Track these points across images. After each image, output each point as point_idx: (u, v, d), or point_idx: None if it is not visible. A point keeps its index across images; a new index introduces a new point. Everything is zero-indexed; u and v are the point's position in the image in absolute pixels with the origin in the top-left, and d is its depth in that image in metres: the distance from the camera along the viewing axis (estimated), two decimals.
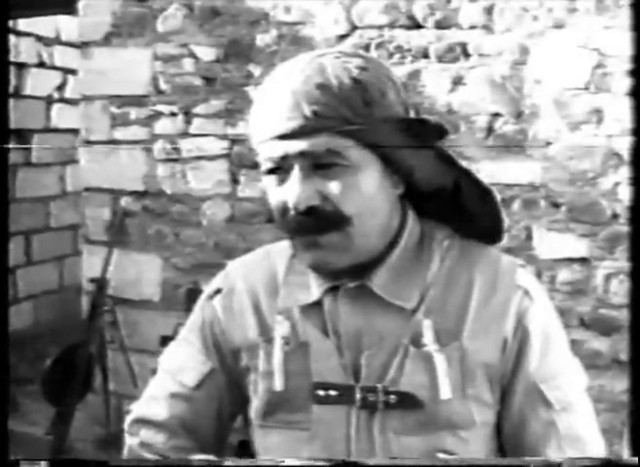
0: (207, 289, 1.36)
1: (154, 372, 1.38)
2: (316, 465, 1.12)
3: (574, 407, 1.21)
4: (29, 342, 4.89)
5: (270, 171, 1.16)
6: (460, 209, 1.27)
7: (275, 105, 1.13)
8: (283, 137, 1.12)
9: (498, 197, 1.27)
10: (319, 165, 1.12)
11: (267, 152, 1.15)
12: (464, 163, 1.25)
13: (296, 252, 1.22)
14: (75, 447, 3.74)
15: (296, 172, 1.13)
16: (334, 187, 1.12)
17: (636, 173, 1.74)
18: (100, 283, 3.71)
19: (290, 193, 1.13)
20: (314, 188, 1.12)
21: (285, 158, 1.13)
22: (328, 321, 1.22)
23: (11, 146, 5.09)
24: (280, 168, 1.15)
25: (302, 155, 1.12)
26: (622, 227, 2.97)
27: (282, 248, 1.32)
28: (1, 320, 1.81)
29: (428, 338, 1.17)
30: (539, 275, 3.05)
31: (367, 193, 1.14)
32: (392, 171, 1.18)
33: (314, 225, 1.13)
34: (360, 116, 1.11)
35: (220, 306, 1.31)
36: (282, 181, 1.15)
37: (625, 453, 2.02)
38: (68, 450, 3.69)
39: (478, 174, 1.25)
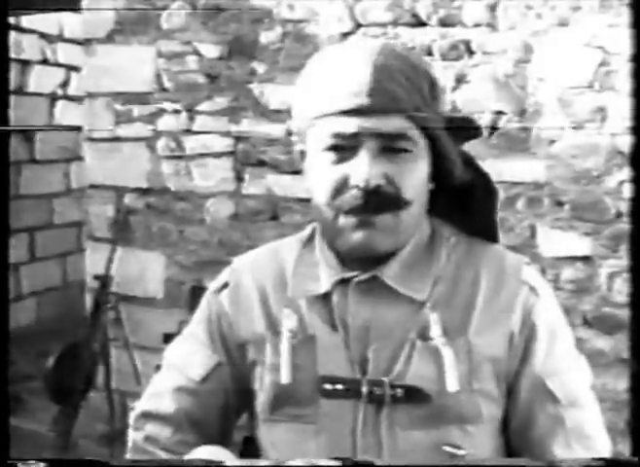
0: (214, 283, 1.36)
1: (157, 369, 1.38)
2: (325, 465, 1.12)
3: (581, 402, 1.22)
4: (33, 339, 4.89)
5: (329, 148, 1.16)
6: (463, 208, 1.29)
7: (353, 79, 1.13)
8: (357, 113, 1.12)
9: (499, 199, 1.30)
10: (387, 148, 1.13)
11: (334, 127, 1.14)
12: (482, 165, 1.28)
13: (335, 234, 1.19)
14: (78, 444, 3.75)
15: (364, 152, 1.13)
16: (399, 170, 1.14)
17: (636, 172, 1.74)
18: (104, 280, 3.71)
19: (358, 171, 1.13)
20: (382, 168, 1.13)
21: (355, 135, 1.13)
22: (336, 314, 1.22)
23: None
24: (342, 146, 1.14)
25: (375, 134, 1.12)
26: (626, 225, 2.96)
27: (290, 243, 1.33)
28: (2, 317, 1.81)
29: (435, 331, 1.17)
30: (543, 273, 3.04)
31: (423, 181, 1.18)
32: (433, 166, 1.21)
33: (375, 204, 1.13)
34: (427, 106, 1.15)
35: (227, 300, 1.31)
36: (343, 158, 1.15)
37: (627, 452, 2.02)
38: (72, 448, 3.69)
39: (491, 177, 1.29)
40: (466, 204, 1.29)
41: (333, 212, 1.17)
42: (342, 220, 1.17)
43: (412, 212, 1.17)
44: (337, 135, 1.14)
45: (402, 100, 1.12)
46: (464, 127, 1.24)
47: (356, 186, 1.13)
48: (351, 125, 1.13)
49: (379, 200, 1.13)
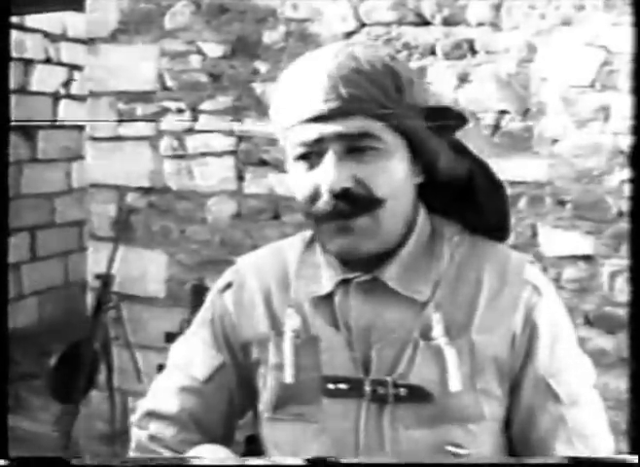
0: (218, 283, 1.36)
1: (159, 368, 1.38)
2: (292, 464, 1.12)
3: (583, 401, 1.22)
4: (34, 339, 4.89)
5: (300, 157, 1.17)
6: (470, 202, 1.28)
7: (310, 88, 1.13)
8: (318, 120, 1.12)
9: (507, 192, 1.29)
10: (353, 149, 1.13)
11: (300, 136, 1.15)
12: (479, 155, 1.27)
13: (322, 239, 1.21)
14: (80, 443, 3.75)
15: (330, 155, 1.13)
16: (367, 170, 1.13)
17: (637, 172, 1.74)
18: (105, 279, 3.71)
19: (324, 176, 1.13)
20: (348, 171, 1.13)
21: (319, 140, 1.13)
22: (339, 314, 1.22)
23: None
24: (311, 153, 1.15)
25: (337, 137, 1.12)
26: (628, 224, 2.97)
27: (293, 243, 1.33)
28: (1, 317, 1.81)
29: (438, 331, 1.17)
30: (544, 273, 3.04)
31: (397, 177, 1.16)
32: (415, 160, 1.19)
33: (347, 208, 1.13)
34: (392, 101, 1.13)
35: (231, 300, 1.32)
36: (313, 166, 1.15)
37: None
38: (73, 447, 3.70)
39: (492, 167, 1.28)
40: (474, 200, 1.28)
41: (313, 220, 1.19)
42: (323, 226, 1.18)
43: (393, 209, 1.16)
44: (303, 144, 1.15)
45: (361, 100, 1.11)
46: (443, 119, 1.21)
47: (325, 192, 1.13)
48: (313, 131, 1.13)
49: (351, 203, 1.13)
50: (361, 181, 1.13)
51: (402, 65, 1.17)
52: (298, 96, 1.15)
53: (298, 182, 1.19)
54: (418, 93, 1.18)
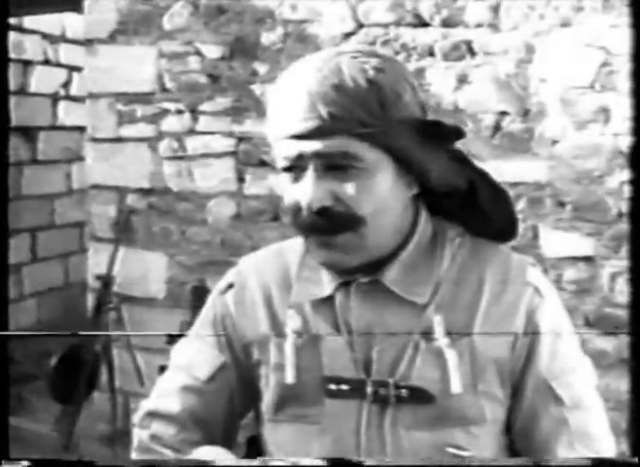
0: (220, 284, 1.37)
1: (160, 369, 1.39)
2: (315, 465, 1.12)
3: (585, 403, 1.22)
4: (34, 340, 4.89)
5: (286, 169, 1.16)
6: (474, 209, 1.28)
7: (291, 105, 1.12)
8: (299, 137, 1.11)
9: (508, 193, 1.29)
10: (333, 166, 1.12)
11: (283, 150, 1.15)
12: (478, 164, 1.26)
13: (309, 250, 1.22)
14: (81, 444, 3.75)
15: (310, 172, 1.13)
16: (347, 188, 1.12)
17: (636, 173, 1.74)
18: (106, 280, 3.72)
19: (304, 192, 1.13)
20: (328, 188, 1.12)
21: (300, 157, 1.13)
22: (339, 316, 1.22)
23: None
24: (295, 167, 1.15)
25: (317, 155, 1.11)
26: (628, 225, 2.97)
27: (294, 245, 1.33)
28: (2, 317, 1.81)
29: (439, 333, 1.17)
30: (545, 274, 3.04)
31: (380, 194, 1.14)
32: (406, 172, 1.17)
33: (327, 225, 1.13)
34: (376, 118, 1.11)
35: (232, 301, 1.32)
36: (297, 179, 1.15)
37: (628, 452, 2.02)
38: (74, 448, 3.70)
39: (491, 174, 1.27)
40: (474, 205, 1.27)
41: (298, 230, 1.19)
42: (308, 238, 1.18)
43: (379, 225, 1.15)
44: (284, 158, 1.15)
45: (341, 120, 1.09)
46: (437, 131, 1.17)
47: (305, 209, 1.14)
48: (294, 148, 1.13)
49: (331, 221, 1.13)
50: (341, 199, 1.12)
51: (391, 78, 1.13)
52: (280, 112, 1.14)
53: (284, 193, 1.19)
54: (408, 106, 1.14)
